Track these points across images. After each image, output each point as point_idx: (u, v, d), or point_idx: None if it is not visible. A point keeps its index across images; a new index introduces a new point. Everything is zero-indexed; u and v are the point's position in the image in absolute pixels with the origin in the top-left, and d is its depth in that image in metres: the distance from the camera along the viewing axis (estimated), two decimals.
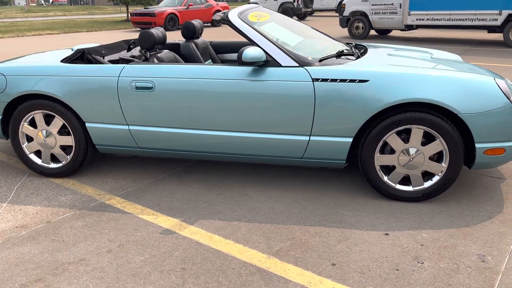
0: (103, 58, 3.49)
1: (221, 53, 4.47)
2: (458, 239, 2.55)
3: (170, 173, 3.55)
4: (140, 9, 17.96)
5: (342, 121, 2.89)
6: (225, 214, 2.87)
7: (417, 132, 2.84)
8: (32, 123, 3.41)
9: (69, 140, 3.36)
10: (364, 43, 4.02)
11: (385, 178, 2.99)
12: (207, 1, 18.94)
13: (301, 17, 23.52)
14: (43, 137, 3.39)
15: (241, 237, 2.60)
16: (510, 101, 2.77)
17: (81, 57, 3.41)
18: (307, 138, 2.98)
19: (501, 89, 2.77)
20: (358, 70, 2.87)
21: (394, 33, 14.99)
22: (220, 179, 3.42)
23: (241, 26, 3.06)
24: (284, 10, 22.64)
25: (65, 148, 3.44)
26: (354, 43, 3.94)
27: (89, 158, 3.42)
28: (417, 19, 12.16)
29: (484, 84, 2.78)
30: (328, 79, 2.88)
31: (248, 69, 2.97)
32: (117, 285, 2.18)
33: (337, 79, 2.87)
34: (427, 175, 2.97)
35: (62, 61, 3.40)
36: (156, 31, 3.51)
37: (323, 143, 2.96)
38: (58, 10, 44.14)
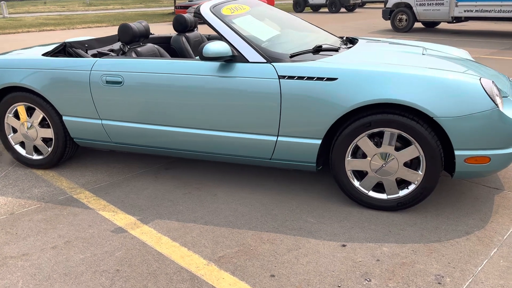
0: (86, 52, 3.48)
1: None
2: (421, 256, 2.30)
3: (149, 169, 3.51)
4: (185, 1, 18.14)
5: (310, 121, 2.70)
6: (184, 215, 2.78)
7: (390, 135, 2.60)
8: (16, 115, 3.48)
9: (49, 133, 3.40)
10: (361, 37, 3.76)
11: (357, 184, 2.77)
12: None
13: (350, 9, 22.87)
14: (26, 129, 3.45)
15: (189, 240, 2.50)
16: (496, 104, 2.46)
17: (63, 50, 3.42)
18: (274, 138, 2.81)
19: (486, 91, 2.47)
20: (327, 67, 2.66)
21: (442, 25, 14.19)
22: (195, 177, 3.33)
23: (211, 19, 2.93)
24: (332, 2, 22.10)
25: (48, 141, 3.48)
26: (345, 37, 3.69)
27: (68, 151, 3.44)
28: (465, 11, 11.42)
29: (466, 85, 2.49)
30: (294, 77, 2.70)
31: (214, 64, 2.85)
32: (45, 284, 2.16)
33: (304, 77, 2.68)
34: (404, 183, 2.72)
35: (44, 54, 3.43)
36: (138, 24, 3.45)
37: (291, 144, 2.79)
38: (117, 4, 45.72)
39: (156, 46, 3.64)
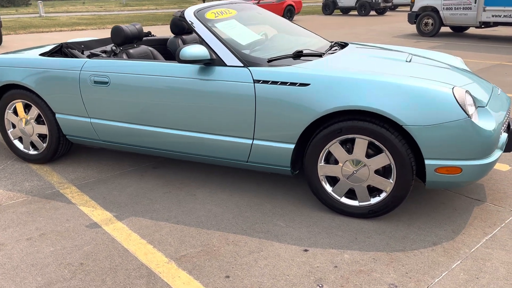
0: (82, 52, 3.61)
1: None
2: (380, 264, 2.29)
3: (138, 167, 3.60)
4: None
5: (283, 126, 2.73)
6: (159, 213, 2.85)
7: (361, 142, 2.60)
8: (15, 111, 3.64)
9: (44, 129, 3.54)
10: (352, 43, 3.74)
11: (330, 190, 2.78)
12: None
13: (380, 12, 22.55)
14: (23, 125, 3.61)
15: (157, 238, 2.57)
16: (468, 114, 2.41)
17: (60, 50, 3.56)
18: (250, 141, 2.85)
19: (457, 101, 2.43)
20: (300, 73, 2.68)
21: (471, 30, 13.82)
22: (180, 177, 3.40)
23: (194, 22, 2.99)
24: (361, 4, 21.86)
25: (43, 137, 3.62)
26: (333, 42, 3.68)
27: (62, 147, 3.58)
28: (493, 16, 11.08)
29: (437, 94, 2.45)
30: (269, 81, 2.73)
31: (194, 67, 2.91)
32: (12, 273, 2.27)
33: (278, 81, 2.70)
34: (376, 191, 2.71)
35: (41, 54, 3.58)
36: (131, 26, 3.55)
37: (266, 148, 2.82)
38: (152, 4, 46.58)
39: (150, 48, 3.74)
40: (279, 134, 2.75)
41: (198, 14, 3.05)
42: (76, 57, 3.47)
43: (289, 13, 19.26)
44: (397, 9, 27.69)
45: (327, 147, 2.68)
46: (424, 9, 12.56)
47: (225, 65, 2.86)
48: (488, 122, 2.52)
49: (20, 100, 3.55)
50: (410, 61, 3.09)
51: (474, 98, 2.60)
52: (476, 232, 2.57)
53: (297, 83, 2.66)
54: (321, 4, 27.81)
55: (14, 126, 3.72)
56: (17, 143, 3.74)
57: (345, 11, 23.61)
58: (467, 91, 2.53)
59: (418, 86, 2.48)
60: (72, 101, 3.31)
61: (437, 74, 2.84)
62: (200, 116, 2.92)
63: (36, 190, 3.22)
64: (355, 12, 24.33)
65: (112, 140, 3.31)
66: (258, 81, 2.74)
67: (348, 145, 2.66)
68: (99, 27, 17.83)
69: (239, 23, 3.16)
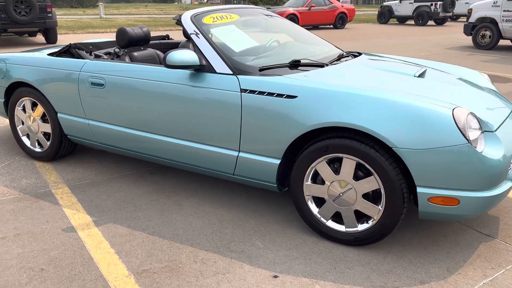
0: (90, 53, 3.61)
1: None
2: None
3: (136, 172, 3.54)
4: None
5: (268, 139, 2.55)
6: (138, 222, 2.76)
7: (348, 163, 2.37)
8: (24, 109, 3.70)
9: (48, 128, 3.57)
10: (367, 53, 3.49)
11: (316, 212, 2.56)
12: (331, 2, 18.51)
13: (439, 22, 21.60)
14: (30, 122, 3.66)
15: (127, 248, 2.47)
16: (468, 139, 2.13)
17: (68, 51, 3.58)
18: (236, 153, 2.70)
19: (456, 124, 2.15)
20: (288, 84, 2.50)
21: None
22: (173, 185, 3.30)
23: (189, 27, 2.89)
24: (419, 14, 21.03)
25: (48, 135, 3.65)
26: (346, 52, 3.44)
27: (64, 146, 3.59)
28: None
29: (434, 115, 2.18)
30: (256, 91, 2.56)
31: (183, 72, 2.80)
32: None
33: (265, 92, 2.53)
34: (365, 216, 2.46)
35: (50, 54, 3.61)
36: (137, 29, 3.51)
37: (252, 161, 2.65)
38: None
39: (157, 51, 3.68)
40: (264, 148, 2.58)
41: (195, 19, 2.94)
42: (81, 57, 3.47)
43: (340, 20, 18.88)
44: (459, 20, 26.45)
45: (313, 165, 2.47)
46: (481, 20, 11.82)
47: (215, 72, 2.72)
48: (494, 150, 2.22)
49: (28, 98, 3.60)
50: (419, 76, 2.81)
51: (480, 121, 2.30)
52: (475, 274, 2.26)
53: (284, 95, 2.48)
54: (376, 12, 26.96)
55: (23, 123, 3.78)
56: (25, 139, 3.79)
57: (402, 20, 22.82)
58: (471, 113, 2.23)
59: (413, 104, 2.23)
60: (71, 101, 3.31)
61: (445, 92, 2.56)
62: (187, 123, 2.80)
63: (30, 188, 3.23)
64: (412, 22, 23.45)
65: (107, 143, 3.27)
66: (245, 90, 2.59)
67: (336, 164, 2.44)
68: (151, 29, 18.31)
69: (238, 29, 3.02)
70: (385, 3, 22.56)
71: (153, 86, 2.88)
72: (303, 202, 2.57)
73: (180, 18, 2.95)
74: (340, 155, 2.37)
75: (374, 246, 2.51)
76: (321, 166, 2.45)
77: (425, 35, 15.97)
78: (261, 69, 2.70)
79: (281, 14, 16.99)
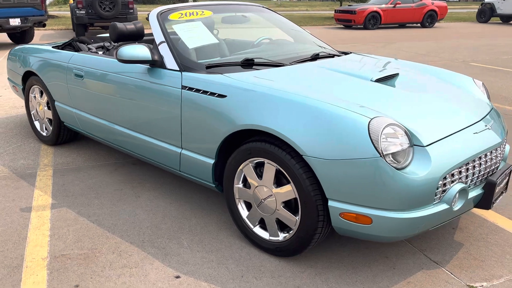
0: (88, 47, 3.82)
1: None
2: None
3: (122, 161, 3.68)
4: (345, 6, 17.82)
5: (202, 138, 2.51)
6: (90, 208, 2.88)
7: (269, 168, 2.25)
8: (35, 96, 4.03)
9: (51, 114, 3.85)
10: (358, 53, 3.26)
11: (244, 216, 2.47)
12: (421, 0, 17.41)
13: None
14: (39, 108, 3.98)
15: (63, 232, 2.59)
16: (380, 152, 1.91)
17: (70, 44, 3.83)
18: (179, 150, 2.69)
19: (370, 135, 1.93)
20: (220, 83, 2.43)
21: None
22: (145, 176, 3.38)
23: (153, 24, 2.93)
24: None
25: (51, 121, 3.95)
26: (328, 52, 3.22)
27: (63, 132, 3.84)
28: None
29: (348, 123, 1.99)
30: (193, 88, 2.53)
31: (139, 67, 2.85)
32: None
33: (200, 90, 2.49)
34: (288, 226, 2.32)
35: (55, 46, 3.88)
36: (130, 25, 3.62)
37: (192, 159, 2.63)
38: (304, 6, 47.23)
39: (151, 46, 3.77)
40: (200, 146, 2.54)
41: (161, 16, 2.96)
42: (80, 50, 3.69)
43: (429, 19, 17.71)
44: None
45: (240, 167, 2.38)
46: None
47: (165, 67, 2.74)
48: (418, 167, 1.96)
49: (37, 86, 3.92)
50: (377, 80, 2.56)
51: (410, 134, 2.04)
52: None
53: (215, 94, 2.42)
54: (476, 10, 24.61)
55: (33, 109, 4.12)
56: (36, 124, 4.13)
57: (505, 19, 20.76)
58: (394, 125, 1.99)
59: (330, 111, 2.05)
60: (63, 91, 3.53)
61: (390, 100, 2.31)
62: (141, 117, 2.86)
63: (22, 168, 3.52)
64: None
65: (88, 131, 3.45)
66: (185, 87, 2.57)
67: (261, 169, 2.33)
68: None
69: (202, 26, 2.99)
70: (487, 0, 20.69)
71: (114, 78, 2.98)
72: (233, 205, 2.49)
73: (148, 15, 3.00)
74: (262, 159, 2.26)
75: (298, 258, 2.35)
76: (248, 169, 2.35)
77: None
78: (208, 67, 2.66)
79: (361, 12, 16.39)
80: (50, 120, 3.93)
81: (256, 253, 2.41)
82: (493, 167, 2.27)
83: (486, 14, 20.65)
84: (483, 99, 2.71)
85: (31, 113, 4.15)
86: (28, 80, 4.01)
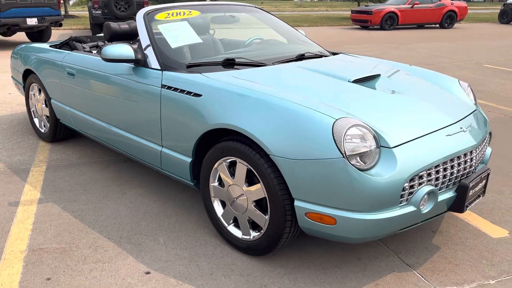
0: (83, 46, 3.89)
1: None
2: None
3: (116, 158, 3.75)
4: (362, 6, 17.66)
5: (180, 137, 2.54)
6: (75, 204, 2.94)
7: (241, 167, 2.27)
8: (34, 93, 4.13)
9: (48, 112, 3.94)
10: (346, 53, 3.25)
11: (219, 214, 2.49)
12: (439, 0, 17.13)
13: None
14: (38, 106, 4.08)
15: (44, 227, 2.65)
16: (343, 153, 1.90)
17: (67, 43, 3.91)
18: (160, 148, 2.73)
19: (333, 135, 1.93)
20: (197, 82, 2.46)
21: None
22: (134, 174, 3.43)
23: (139, 23, 2.97)
24: None
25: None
26: (314, 52, 3.21)
27: (60, 130, 3.93)
28: None
29: (313, 123, 1.99)
30: (171, 87, 2.56)
31: (124, 65, 2.90)
32: None
33: (178, 89, 2.53)
34: (259, 225, 2.33)
35: (53, 45, 3.97)
36: (124, 24, 3.68)
37: (171, 157, 2.66)
38: (324, 6, 46.96)
39: None
40: (179, 145, 2.58)
41: (148, 16, 3.00)
42: (76, 49, 3.76)
43: (449, 19, 17.41)
44: None
45: (215, 166, 2.41)
46: None
47: (148, 66, 2.78)
48: (383, 169, 1.94)
49: (35, 84, 4.01)
50: (355, 81, 2.55)
51: (378, 136, 2.03)
52: None
53: (192, 93, 2.45)
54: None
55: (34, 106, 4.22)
56: (36, 121, 4.23)
57: None
58: (359, 125, 1.98)
59: (297, 111, 2.05)
60: (57, 89, 3.61)
61: (363, 100, 2.29)
62: (126, 115, 2.91)
63: (17, 163, 3.61)
64: None
65: (80, 129, 3.52)
66: (165, 86, 2.60)
67: (234, 168, 2.34)
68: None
69: (188, 26, 3.02)
70: (509, 1, 20.23)
71: (102, 77, 3.04)
72: (209, 203, 2.52)
73: (136, 14, 3.05)
74: (234, 158, 2.27)
75: (270, 257, 2.36)
76: (222, 168, 2.37)
77: None
78: (188, 66, 2.69)
79: (378, 12, 16.23)
80: (48, 117, 4.02)
81: (230, 251, 2.42)
82: (468, 170, 2.24)
83: (508, 15, 20.19)
84: (466, 101, 2.67)
85: (31, 110, 4.25)
86: (27, 78, 4.11)
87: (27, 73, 4.15)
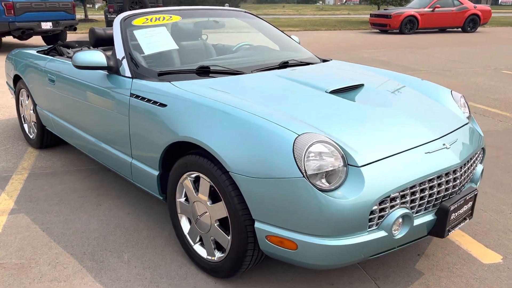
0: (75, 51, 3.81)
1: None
2: None
3: (98, 167, 3.64)
4: (381, 10, 17.32)
5: (147, 148, 2.41)
6: (46, 216, 2.84)
7: (204, 183, 2.12)
8: (24, 99, 4.08)
9: (35, 117, 3.88)
10: (337, 61, 3.07)
11: (186, 232, 2.34)
12: (461, 3, 16.66)
13: None
14: (26, 112, 4.02)
15: (9, 240, 2.55)
16: (304, 174, 1.73)
17: (55, 49, 3.84)
18: (130, 160, 2.60)
19: (293, 153, 1.76)
20: (163, 91, 2.32)
21: None
22: (114, 184, 3.32)
23: (115, 29, 2.85)
24: None
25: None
26: (301, 60, 3.03)
27: (46, 136, 3.85)
28: None
29: (274, 139, 1.82)
30: (139, 96, 2.44)
31: (97, 72, 2.80)
32: None
33: (145, 98, 2.39)
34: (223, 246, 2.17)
35: (39, 51, 3.90)
36: (109, 30, 3.58)
37: (140, 170, 2.53)
38: (346, 10, 46.57)
39: None
40: (146, 157, 2.44)
41: (125, 21, 2.88)
42: (62, 55, 3.69)
43: (471, 23, 16.91)
44: None
45: (180, 181, 2.26)
46: None
47: (120, 74, 2.66)
48: (348, 190, 1.76)
49: (24, 89, 3.96)
50: (332, 92, 2.36)
51: (345, 153, 1.84)
52: None
53: (157, 103, 2.31)
54: None
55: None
56: (25, 127, 4.18)
57: None
58: (324, 142, 1.80)
59: (257, 124, 1.89)
60: (41, 95, 3.54)
61: (337, 112, 2.11)
62: (99, 124, 2.80)
63: (0, 171, 3.54)
64: None
65: (62, 136, 3.44)
66: (132, 95, 2.48)
67: (198, 183, 2.19)
68: None
69: (165, 32, 2.89)
70: None
71: (78, 84, 2.94)
72: (176, 220, 2.37)
73: (113, 20, 2.94)
74: (198, 173, 2.12)
75: (236, 280, 2.20)
76: (187, 183, 2.23)
77: None
78: (160, 74, 2.56)
79: (397, 16, 15.88)
80: (35, 123, 3.96)
81: (195, 272, 2.27)
82: (450, 191, 2.03)
83: None
84: (456, 114, 2.46)
85: (21, 116, 4.20)
86: (17, 83, 4.06)
87: (17, 79, 4.10)
